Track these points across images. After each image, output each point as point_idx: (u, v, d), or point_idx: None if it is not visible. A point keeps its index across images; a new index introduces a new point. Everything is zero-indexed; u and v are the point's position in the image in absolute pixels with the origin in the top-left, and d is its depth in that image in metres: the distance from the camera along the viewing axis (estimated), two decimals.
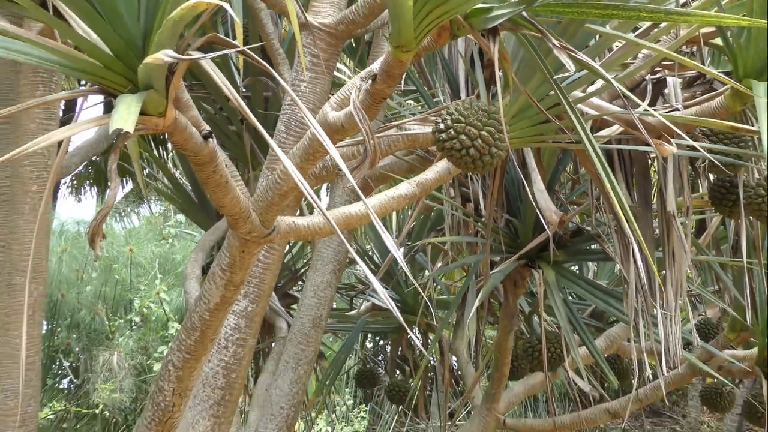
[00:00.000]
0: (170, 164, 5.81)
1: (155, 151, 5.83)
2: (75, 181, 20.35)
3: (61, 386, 10.39)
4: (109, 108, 1.61)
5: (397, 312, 1.76)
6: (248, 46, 1.53)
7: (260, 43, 3.53)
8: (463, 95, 3.04)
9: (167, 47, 1.41)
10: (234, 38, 2.05)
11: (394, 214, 5.16)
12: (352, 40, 4.41)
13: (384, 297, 1.53)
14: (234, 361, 3.27)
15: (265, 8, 3.51)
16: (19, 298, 3.66)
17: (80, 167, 13.83)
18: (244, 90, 4.55)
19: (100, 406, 9.13)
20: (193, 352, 2.56)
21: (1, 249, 3.69)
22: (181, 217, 12.61)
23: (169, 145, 5.80)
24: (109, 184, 1.60)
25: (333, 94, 2.03)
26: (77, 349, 10.09)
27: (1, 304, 3.66)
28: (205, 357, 2.67)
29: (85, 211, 24.28)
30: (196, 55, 1.44)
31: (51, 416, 8.88)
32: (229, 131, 4.64)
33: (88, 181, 21.14)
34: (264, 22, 3.61)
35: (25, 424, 3.68)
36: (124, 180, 16.43)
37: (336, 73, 3.81)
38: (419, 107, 4.08)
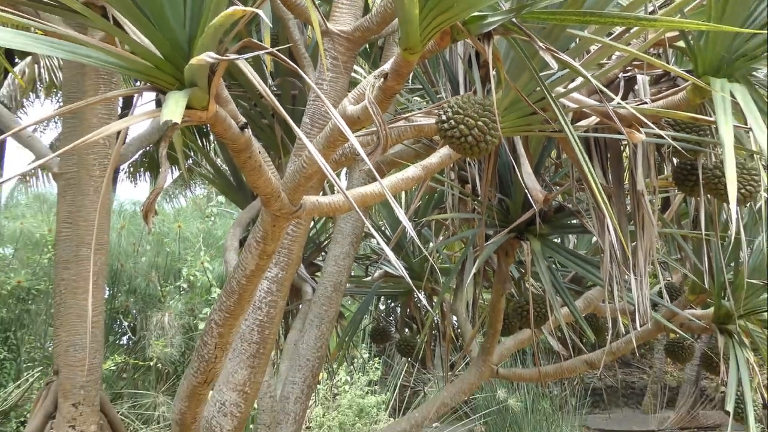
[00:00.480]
0: (212, 153, 5.80)
1: (199, 142, 5.83)
2: (132, 168, 20.46)
3: (121, 342, 10.45)
4: (159, 103, 1.61)
5: (407, 277, 1.76)
6: (277, 48, 1.52)
7: (288, 45, 3.52)
8: (462, 91, 3.02)
9: (209, 50, 1.40)
10: (265, 42, 2.04)
11: (403, 194, 5.15)
12: (367, 44, 4.39)
13: (396, 264, 1.53)
14: (267, 319, 3.28)
15: (292, 18, 3.50)
16: (85, 266, 3.67)
17: (136, 156, 13.84)
18: (274, 88, 4.55)
19: (154, 359, 9.17)
20: (232, 312, 2.57)
21: (69, 225, 3.70)
22: (221, 197, 12.62)
23: (211, 136, 5.79)
24: (160, 169, 1.60)
25: (350, 91, 2.02)
26: (134, 310, 10.14)
27: (70, 272, 3.67)
28: (242, 316, 2.67)
29: (140, 193, 24.38)
30: (233, 56, 1.43)
31: (113, 368, 8.92)
32: (262, 124, 4.64)
33: (142, 168, 21.26)
34: (291, 29, 3.59)
35: (91, 373, 3.69)
36: (173, 167, 16.49)
37: (353, 74, 3.79)
38: (424, 102, 4.05)
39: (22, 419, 8.10)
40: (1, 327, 9.14)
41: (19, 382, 8.43)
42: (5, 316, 9.16)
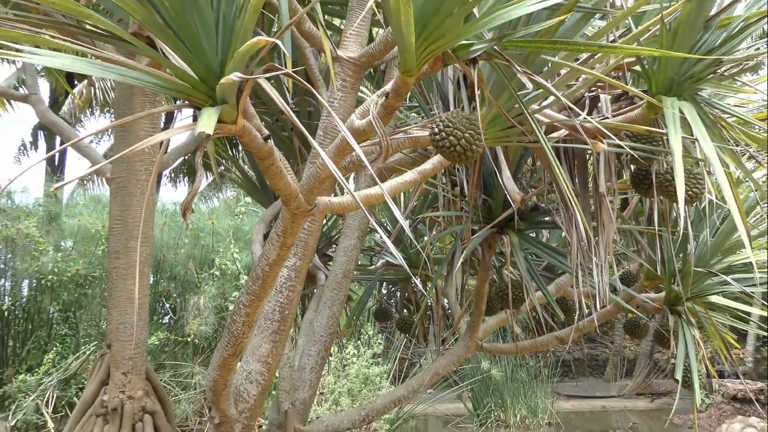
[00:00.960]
0: (240, 160, 5.80)
1: (229, 151, 5.83)
2: (173, 174, 20.47)
3: (163, 321, 10.47)
4: (196, 118, 1.61)
5: (405, 265, 1.76)
6: (295, 70, 1.52)
7: (304, 68, 3.51)
8: (451, 108, 3.02)
9: (237, 72, 1.40)
10: (285, 67, 2.04)
11: (402, 195, 5.14)
12: (371, 68, 4.38)
13: (396, 255, 1.53)
14: (287, 301, 3.28)
15: (308, 46, 3.49)
16: (133, 257, 3.68)
17: (176, 163, 13.81)
18: (293, 106, 4.54)
19: (191, 336, 9.19)
20: (258, 295, 2.57)
21: (119, 222, 3.70)
22: (248, 198, 12.62)
23: (240, 146, 5.79)
24: (196, 174, 1.60)
25: (357, 108, 2.02)
26: (174, 294, 10.16)
27: (120, 261, 3.68)
28: (266, 299, 2.67)
29: (180, 195, 24.41)
30: (257, 76, 1.43)
31: (156, 342, 8.94)
32: (282, 136, 4.63)
33: (181, 174, 21.27)
34: (307, 56, 3.59)
35: (138, 347, 3.70)
36: (207, 173, 16.49)
37: (359, 93, 3.79)
38: (420, 118, 4.05)
39: (80, 386, 8.11)
40: (62, 308, 9.15)
41: (77, 354, 8.44)
42: (66, 298, 9.18)
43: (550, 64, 2.16)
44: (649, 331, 4.37)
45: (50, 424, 7.78)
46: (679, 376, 3.42)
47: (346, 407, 9.69)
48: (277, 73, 1.41)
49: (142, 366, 3.72)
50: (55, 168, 20.86)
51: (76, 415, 3.70)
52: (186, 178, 21.98)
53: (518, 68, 1.71)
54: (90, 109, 19.91)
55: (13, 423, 7.56)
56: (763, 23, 2.57)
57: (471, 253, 3.66)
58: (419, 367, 13.01)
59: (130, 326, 3.70)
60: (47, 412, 7.86)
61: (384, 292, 6.45)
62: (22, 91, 4.66)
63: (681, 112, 2.28)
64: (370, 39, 3.29)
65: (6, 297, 9.49)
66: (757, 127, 2.86)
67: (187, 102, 1.60)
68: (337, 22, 4.51)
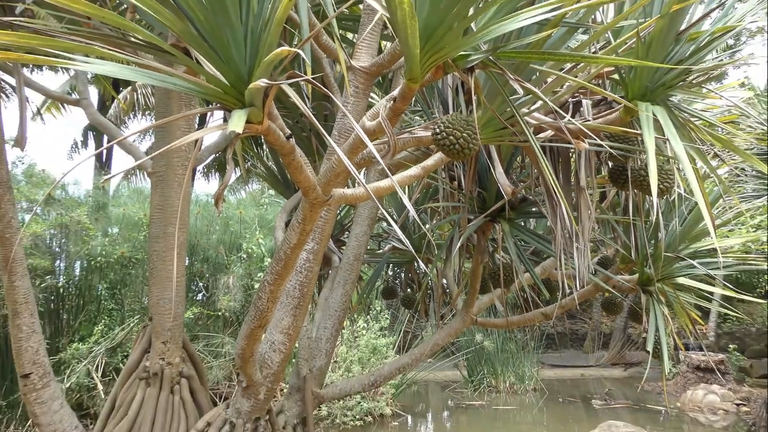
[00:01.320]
0: (265, 157, 5.80)
1: (255, 149, 5.83)
2: (205, 169, 20.51)
3: (197, 298, 10.49)
4: (226, 120, 1.61)
5: (411, 248, 1.75)
6: (313, 76, 1.51)
7: (320, 75, 3.50)
8: (450, 111, 3.01)
9: (263, 78, 1.40)
10: (305, 75, 2.03)
11: (407, 188, 5.15)
12: (380, 77, 4.37)
13: (402, 239, 1.53)
14: (306, 280, 3.28)
15: (325, 56, 3.49)
16: (171, 241, 3.69)
17: (208, 160, 13.81)
18: (311, 109, 4.54)
19: (221, 310, 9.21)
20: (280, 274, 2.57)
21: (159, 210, 3.71)
22: (271, 191, 12.63)
23: (264, 145, 5.78)
24: (227, 168, 1.60)
25: (368, 112, 2.02)
26: (207, 274, 10.18)
27: (159, 245, 3.69)
28: (288, 278, 2.67)
29: (211, 188, 24.44)
30: (281, 82, 1.43)
31: (191, 316, 8.96)
32: (302, 136, 4.63)
33: (213, 169, 21.29)
34: (324, 65, 3.59)
35: (175, 320, 3.71)
36: (236, 168, 16.50)
37: (370, 99, 3.79)
38: (422, 120, 4.04)
39: (125, 353, 8.15)
40: (109, 286, 9.20)
41: (123, 326, 8.48)
42: (113, 278, 9.22)
43: (538, 73, 2.15)
44: (624, 308, 4.37)
45: (99, 387, 7.83)
46: (650, 348, 3.42)
47: (356, 374, 9.72)
48: (298, 79, 1.41)
49: (179, 336, 3.74)
50: (103, 164, 20.95)
51: (122, 379, 3.71)
52: (217, 173, 22.03)
53: (511, 76, 1.71)
54: (133, 113, 19.95)
55: (67, 385, 7.61)
56: (727, 37, 2.56)
57: (467, 240, 3.66)
58: (421, 339, 13.03)
59: (169, 301, 3.72)
60: (97, 376, 7.91)
61: (390, 273, 6.45)
62: (75, 96, 4.66)
63: (654, 115, 2.27)
64: (379, 51, 3.28)
65: (61, 276, 9.56)
66: (720, 129, 2.85)
67: (219, 105, 1.60)
68: (350, 35, 4.49)
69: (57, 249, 10.06)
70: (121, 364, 7.99)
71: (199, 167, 17.79)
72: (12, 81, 3.86)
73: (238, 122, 1.33)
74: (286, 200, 4.84)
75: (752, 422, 8.33)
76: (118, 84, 18.32)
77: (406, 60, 1.62)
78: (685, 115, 2.59)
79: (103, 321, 8.61)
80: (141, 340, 3.76)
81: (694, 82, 2.56)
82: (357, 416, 9.32)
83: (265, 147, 5.93)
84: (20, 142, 3.55)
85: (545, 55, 1.78)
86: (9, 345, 7.87)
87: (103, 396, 7.78)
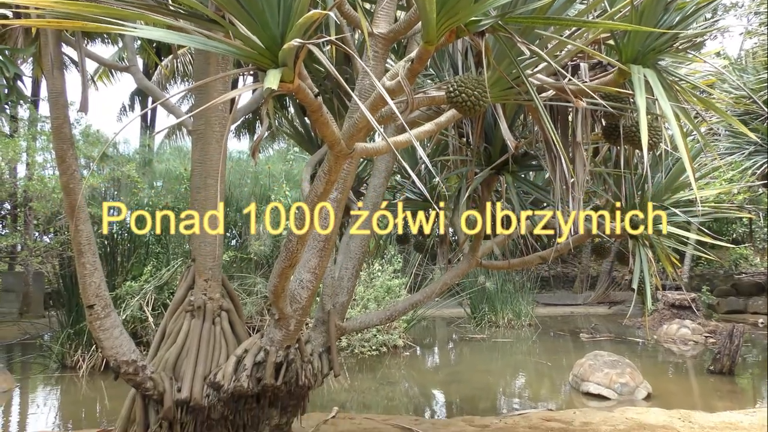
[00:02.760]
0: (290, 117, 5.76)
1: (282, 111, 5.81)
2: (236, 129, 20.47)
3: (231, 243, 10.59)
4: (256, 80, 1.59)
5: (426, 193, 1.75)
6: (338, 36, 1.50)
7: (343, 36, 3.44)
8: (460, 74, 2.97)
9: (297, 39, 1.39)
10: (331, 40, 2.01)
11: (421, 143, 5.11)
12: (396, 44, 4.30)
13: (420, 187, 1.53)
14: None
15: (346, 24, 3.43)
16: (211, 191, 3.70)
17: (239, 120, 13.70)
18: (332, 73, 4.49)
19: (252, 254, 9.30)
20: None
21: (200, 164, 3.71)
22: (296, 148, 12.61)
23: (290, 107, 5.73)
24: (261, 123, 1.59)
25: (386, 74, 1.99)
26: (240, 222, 10.25)
27: (201, 195, 3.70)
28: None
29: (242, 146, 24.43)
30: (311, 41, 1.41)
31: (227, 259, 9.06)
32: (324, 98, 4.59)
33: (244, 129, 21.26)
34: (345, 31, 3.53)
35: (215, 261, 3.75)
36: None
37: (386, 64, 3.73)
38: (434, 83, 4.00)
39: (171, 290, 8.29)
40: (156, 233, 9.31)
41: (168, 267, 8.60)
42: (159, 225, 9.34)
43: (542, 37, 2.11)
44: (611, 252, 4.35)
45: (150, 319, 7.99)
46: (635, 285, 3.42)
47: (372, 311, 9.83)
48: (327, 38, 1.40)
49: (218, 275, 3.78)
50: (148, 125, 20.99)
51: (170, 312, 3.78)
52: (247, 133, 22.02)
53: (518, 39, 1.68)
54: (173, 79, 19.89)
55: (123, 318, 7.77)
56: (712, 6, 2.51)
57: (474, 191, 3.64)
58: (431, 280, 13.13)
59: (209, 244, 3.75)
60: (147, 310, 8.07)
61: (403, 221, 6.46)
62: (125, 63, 4.64)
63: (645, 77, 2.23)
64: (396, 19, 3.22)
65: (115, 224, 9.68)
66: (702, 91, 2.80)
67: (254, 66, 1.59)
68: (367, 5, 4.41)
69: (110, 200, 10.17)
70: (167, 300, 8.13)
71: (231, 127, 17.77)
72: (71, 53, 3.84)
73: (273, 80, 1.32)
74: (310, 156, 4.82)
75: (717, 351, 8.45)
76: (160, 53, 18.20)
77: (423, 25, 1.59)
78: (673, 77, 2.54)
79: (151, 263, 8.74)
80: (186, 278, 3.81)
81: (680, 48, 2.51)
82: (373, 347, 9.47)
83: (290, 108, 5.89)
84: (84, 105, 3.55)
85: (550, 20, 1.74)
86: (75, 282, 8.01)
87: (153, 327, 7.94)
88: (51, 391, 7.18)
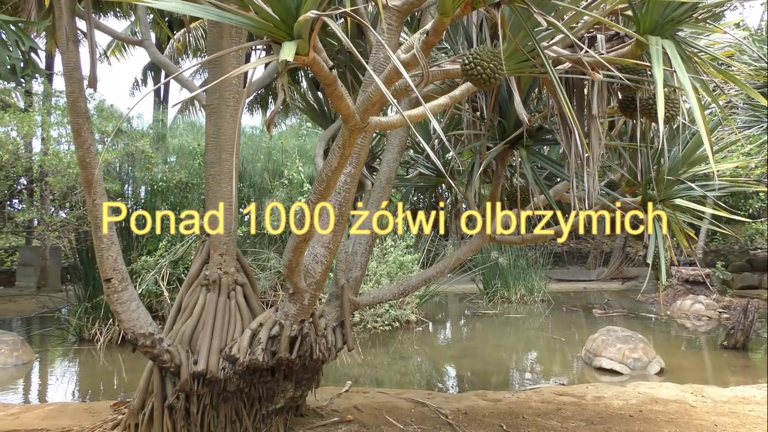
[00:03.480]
0: (303, 92, 5.74)
1: (296, 86, 5.78)
2: (249, 104, 20.45)
3: (245, 219, 10.64)
4: (269, 53, 1.59)
5: (441, 167, 1.74)
6: (352, 8, 1.48)
7: (357, 7, 3.40)
8: (474, 47, 2.95)
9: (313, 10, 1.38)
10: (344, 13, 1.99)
11: (432, 118, 5.08)
12: (409, 18, 4.26)
13: (434, 159, 1.52)
14: (344, 200, 3.31)
15: None
16: (225, 165, 3.71)
17: (252, 96, 13.67)
18: (346, 47, 4.46)
19: (265, 229, 9.34)
20: (323, 194, 2.59)
21: (214, 139, 3.72)
22: (309, 123, 12.57)
23: (303, 82, 5.71)
24: (277, 96, 1.59)
25: (401, 47, 1.98)
26: (253, 198, 10.28)
27: (214, 170, 3.71)
28: (328, 197, 2.70)
29: (255, 121, 24.38)
30: (326, 13, 1.40)
31: (240, 234, 9.10)
32: (338, 72, 4.56)
33: (257, 104, 21.23)
34: (359, 3, 3.50)
35: (229, 236, 3.78)
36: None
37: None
38: (447, 57, 3.96)
39: (186, 265, 8.36)
40: (170, 207, 9.36)
41: (183, 242, 8.66)
42: (173, 200, 9.38)
43: (559, 8, 2.08)
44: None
45: (165, 293, 8.08)
46: (650, 260, 3.41)
47: (385, 286, 9.87)
48: (342, 10, 1.39)
49: (233, 250, 3.81)
50: (161, 100, 21.01)
51: (185, 285, 3.82)
52: (259, 109, 21.98)
53: (535, 10, 1.65)
54: (186, 54, 19.85)
55: (139, 291, 7.86)
56: None
57: (487, 165, 3.63)
58: (443, 255, 13.14)
59: (223, 220, 3.77)
60: (162, 284, 8.16)
61: (416, 197, 6.44)
62: (138, 37, 4.63)
63: (663, 48, 2.19)
64: None
65: (129, 199, 9.76)
66: (722, 63, 2.75)
67: (268, 39, 1.58)
68: None
69: (125, 176, 10.24)
70: (183, 275, 8.21)
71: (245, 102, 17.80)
72: (82, 27, 3.83)
73: (288, 52, 1.31)
74: (323, 131, 4.81)
75: (731, 326, 8.42)
76: (172, 27, 18.16)
77: None
78: (691, 49, 2.50)
79: (166, 237, 8.81)
80: (201, 253, 3.84)
81: (699, 18, 2.46)
82: (386, 322, 9.53)
83: (303, 83, 5.86)
84: (92, 81, 3.55)
85: None
86: (91, 257, 8.09)
87: (168, 301, 8.04)
88: (69, 363, 7.32)
